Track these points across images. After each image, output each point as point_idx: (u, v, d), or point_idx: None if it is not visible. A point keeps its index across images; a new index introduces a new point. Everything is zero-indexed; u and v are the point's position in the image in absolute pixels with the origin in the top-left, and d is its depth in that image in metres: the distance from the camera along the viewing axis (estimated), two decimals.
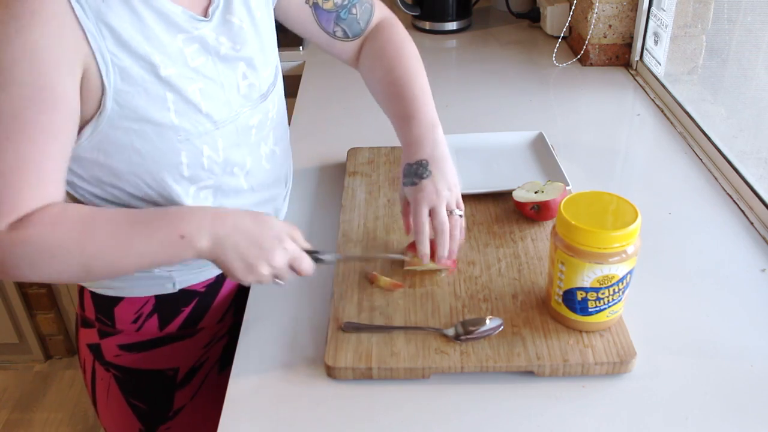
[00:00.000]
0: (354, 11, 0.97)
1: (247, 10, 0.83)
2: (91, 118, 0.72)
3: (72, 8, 0.67)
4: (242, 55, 0.82)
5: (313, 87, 1.52)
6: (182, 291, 0.90)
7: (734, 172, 1.08)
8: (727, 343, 0.79)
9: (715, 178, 1.10)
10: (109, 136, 0.74)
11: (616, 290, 0.74)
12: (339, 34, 0.98)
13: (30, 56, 0.66)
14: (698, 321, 0.82)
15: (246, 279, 0.74)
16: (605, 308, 0.75)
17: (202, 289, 0.92)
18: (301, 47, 1.72)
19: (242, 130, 0.84)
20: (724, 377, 0.75)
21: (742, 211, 1.02)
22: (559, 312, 0.78)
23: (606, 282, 0.73)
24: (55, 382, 2.11)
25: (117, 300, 0.89)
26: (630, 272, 0.74)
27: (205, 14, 0.78)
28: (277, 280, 0.76)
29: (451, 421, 0.71)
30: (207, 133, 0.79)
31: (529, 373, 0.75)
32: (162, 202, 0.81)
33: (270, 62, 0.88)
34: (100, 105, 0.71)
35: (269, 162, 0.91)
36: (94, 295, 0.90)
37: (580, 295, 0.75)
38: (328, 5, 0.96)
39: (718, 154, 1.13)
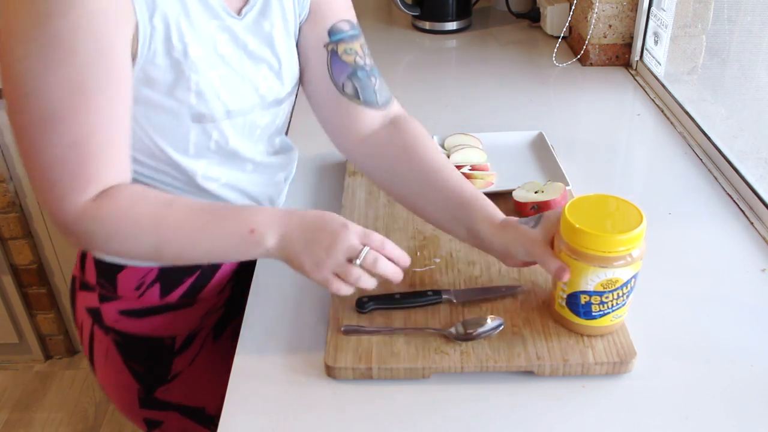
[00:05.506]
0: (373, 81, 0.90)
1: (282, 20, 0.85)
2: None
3: None
4: (267, 59, 0.84)
5: None
6: None
7: (734, 172, 1.08)
8: (727, 343, 0.79)
9: (715, 178, 1.10)
10: None
11: (620, 294, 0.74)
12: (348, 90, 0.89)
13: (89, 22, 0.66)
14: (698, 321, 0.82)
15: (316, 276, 0.73)
16: (609, 312, 0.75)
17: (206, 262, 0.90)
18: None
19: (250, 126, 0.86)
20: (724, 377, 0.75)
21: (742, 211, 1.02)
22: (562, 315, 0.78)
23: (610, 286, 0.73)
24: (55, 382, 2.10)
25: (120, 267, 0.89)
26: (635, 276, 0.74)
27: (239, 13, 0.81)
28: (362, 280, 0.73)
29: (451, 421, 0.71)
30: (219, 119, 0.81)
31: (529, 373, 0.75)
32: (170, 170, 0.83)
33: (293, 74, 0.90)
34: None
35: (266, 164, 0.93)
36: (97, 260, 0.90)
37: (583, 299, 0.75)
38: (347, 58, 0.89)
39: (718, 154, 1.13)
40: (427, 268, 0.89)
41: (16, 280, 1.99)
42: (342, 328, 0.79)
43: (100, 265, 0.90)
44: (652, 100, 1.39)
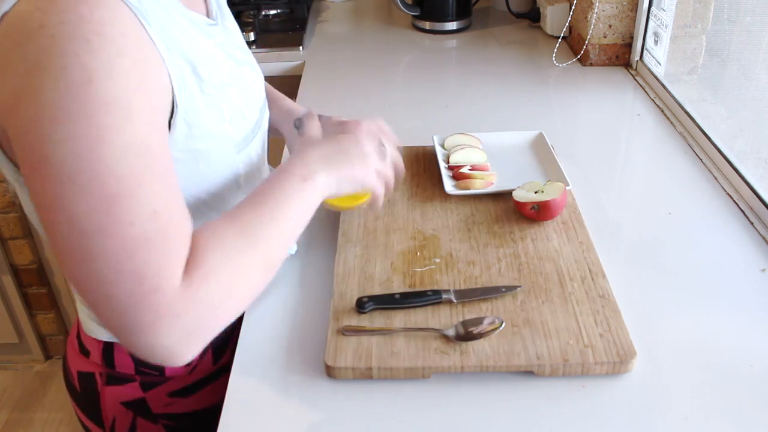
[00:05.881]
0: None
1: (231, 16, 0.83)
2: None
3: (143, 26, 0.61)
4: (245, 58, 0.82)
5: (313, 87, 1.52)
6: None
7: (734, 172, 1.08)
8: (727, 343, 0.79)
9: (715, 178, 1.10)
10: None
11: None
12: None
13: (137, 75, 0.59)
14: (698, 321, 0.83)
15: (370, 180, 0.80)
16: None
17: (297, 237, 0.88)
18: (300, 47, 1.72)
19: (264, 135, 0.85)
20: (724, 377, 0.75)
21: (742, 211, 1.02)
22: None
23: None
24: (55, 382, 2.11)
25: None
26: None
27: (209, 17, 0.77)
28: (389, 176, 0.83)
29: (451, 421, 0.71)
30: (251, 139, 0.79)
31: (529, 373, 0.75)
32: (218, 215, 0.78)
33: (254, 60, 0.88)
34: (169, 127, 0.66)
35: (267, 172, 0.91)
36: None
37: None
38: None
39: (718, 154, 1.13)
40: (427, 268, 0.89)
41: (16, 280, 1.99)
42: (342, 328, 0.79)
43: None
44: (652, 100, 1.39)
